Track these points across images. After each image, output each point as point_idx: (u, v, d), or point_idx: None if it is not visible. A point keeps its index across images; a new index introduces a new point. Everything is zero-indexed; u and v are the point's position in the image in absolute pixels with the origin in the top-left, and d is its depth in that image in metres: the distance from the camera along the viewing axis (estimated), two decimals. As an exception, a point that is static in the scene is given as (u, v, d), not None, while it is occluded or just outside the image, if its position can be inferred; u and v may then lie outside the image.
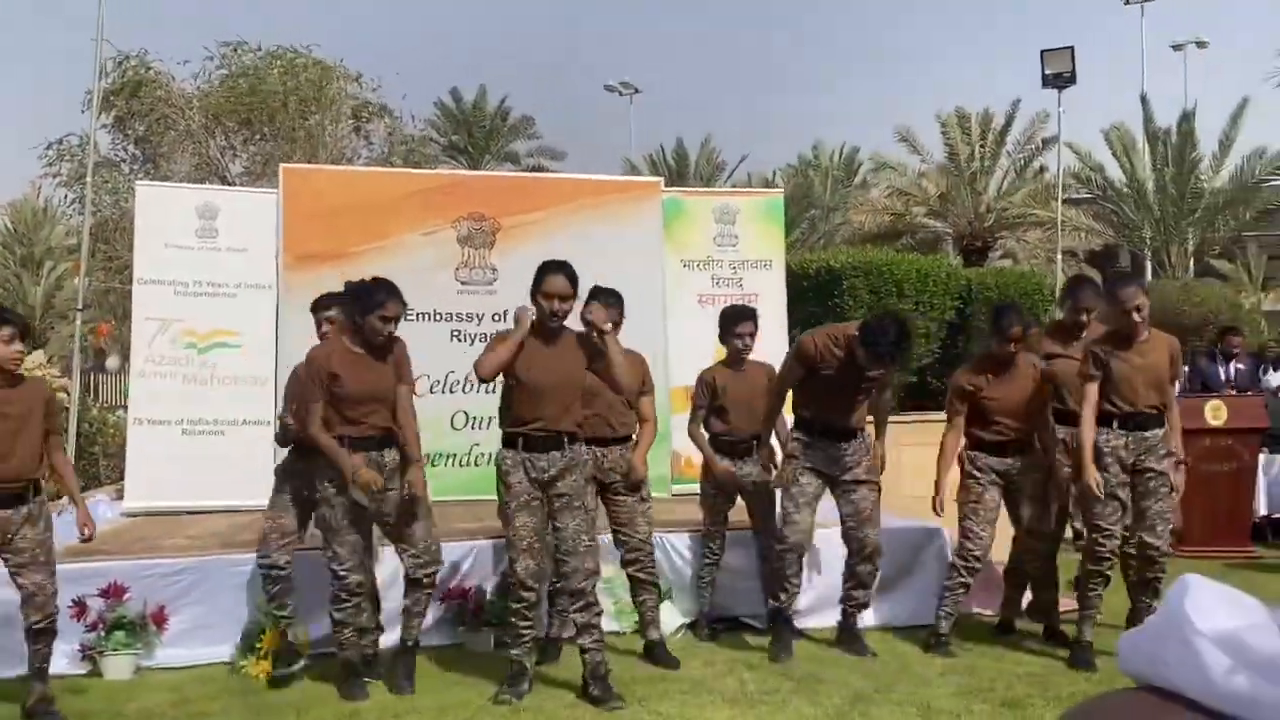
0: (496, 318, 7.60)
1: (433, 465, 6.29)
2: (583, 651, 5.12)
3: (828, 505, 5.96)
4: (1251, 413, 8.91)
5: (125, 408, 8.34)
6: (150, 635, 5.71)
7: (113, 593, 5.67)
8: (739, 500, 6.27)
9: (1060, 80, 13.92)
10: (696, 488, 6.88)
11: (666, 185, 9.22)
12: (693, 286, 8.36)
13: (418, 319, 7.07)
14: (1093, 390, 5.67)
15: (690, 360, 7.90)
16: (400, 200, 8.01)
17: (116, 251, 13.93)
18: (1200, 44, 28.53)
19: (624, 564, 5.90)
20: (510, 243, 7.85)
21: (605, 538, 5.89)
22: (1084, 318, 6.15)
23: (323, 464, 5.15)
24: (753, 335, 6.16)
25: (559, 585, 5.54)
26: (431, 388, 7.48)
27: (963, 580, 6.05)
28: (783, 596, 5.87)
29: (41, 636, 4.93)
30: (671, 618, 6.25)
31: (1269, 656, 1.10)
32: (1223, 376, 10.00)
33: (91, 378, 14.84)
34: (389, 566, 5.79)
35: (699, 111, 76.82)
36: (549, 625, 5.85)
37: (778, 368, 6.13)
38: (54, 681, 5.13)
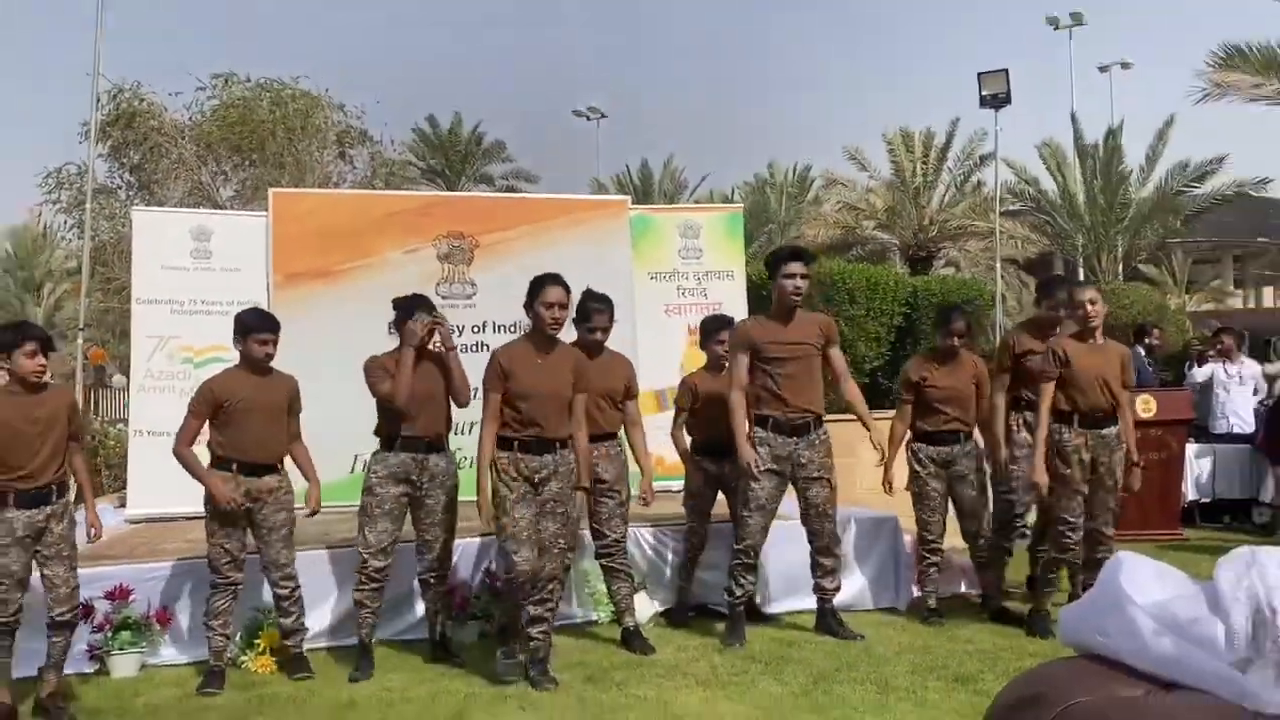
0: (475, 329, 7.63)
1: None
2: (529, 639, 5.09)
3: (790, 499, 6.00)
4: (1178, 405, 9.05)
5: (126, 421, 8.26)
6: (154, 634, 5.67)
7: (118, 595, 5.61)
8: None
9: (996, 101, 13.99)
10: (669, 484, 6.91)
11: (633, 203, 9.22)
12: (660, 297, 8.38)
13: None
14: (1049, 389, 5.78)
15: (659, 366, 7.98)
16: (383, 221, 7.98)
17: (114, 273, 13.77)
18: (1125, 65, 28.75)
19: (598, 556, 5.92)
20: (487, 259, 7.85)
21: (585, 533, 5.92)
22: (1059, 313, 6.27)
23: (376, 458, 5.43)
24: None
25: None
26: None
27: (932, 561, 6.35)
28: (738, 592, 5.89)
29: (62, 628, 4.92)
30: (646, 606, 6.27)
31: (1191, 620, 1.14)
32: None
33: (93, 393, 14.70)
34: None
35: (663, 133, 77.33)
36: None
37: None
38: (65, 678, 5.11)
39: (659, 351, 8.07)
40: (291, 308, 7.15)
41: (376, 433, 5.51)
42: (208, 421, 5.29)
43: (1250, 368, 10.06)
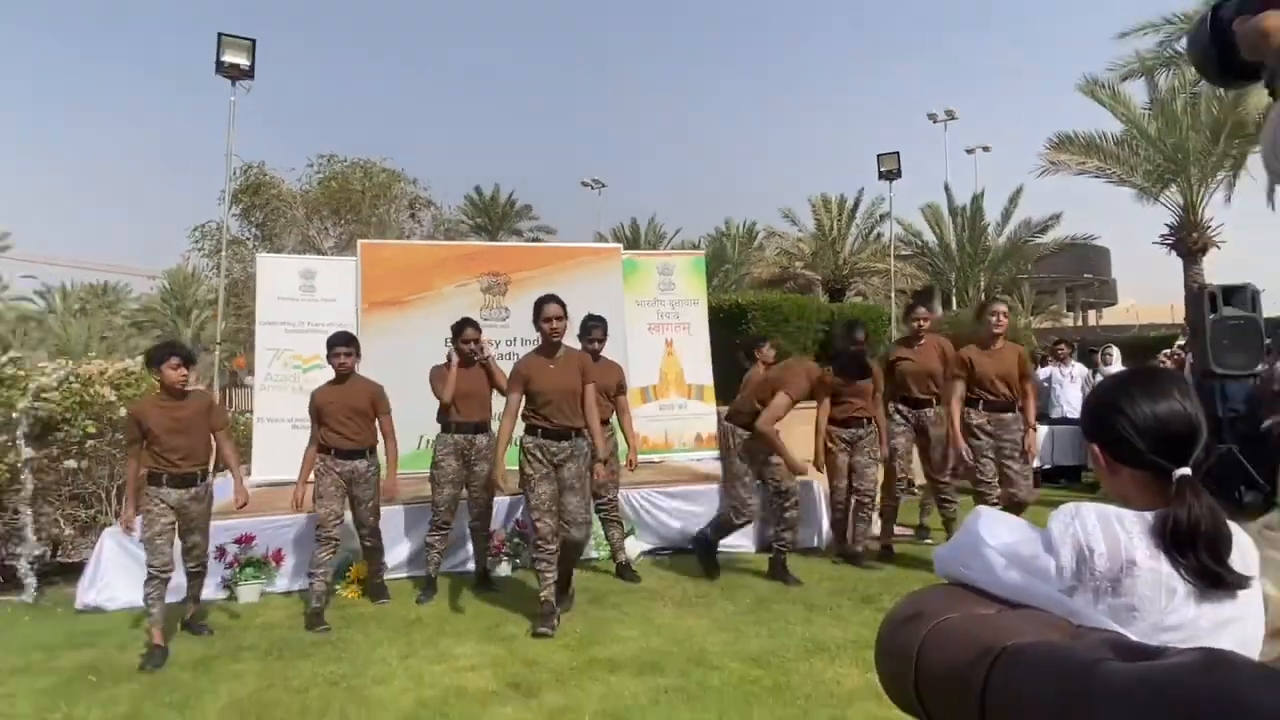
0: (509, 343, 7.58)
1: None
2: (543, 587, 4.70)
3: None
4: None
5: (252, 411, 8.18)
6: (271, 570, 5.64)
7: (244, 540, 5.59)
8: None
9: (890, 174, 14.00)
10: (650, 456, 6.85)
11: (625, 249, 9.20)
12: (644, 319, 8.34)
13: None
14: (959, 385, 5.70)
15: (643, 371, 7.97)
16: (441, 264, 7.94)
17: (243, 302, 13.65)
18: (985, 149, 28.72)
19: (598, 510, 5.87)
20: (518, 291, 7.80)
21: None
22: (917, 325, 6.15)
23: (438, 439, 5.44)
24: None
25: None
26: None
27: (838, 516, 6.16)
28: (716, 540, 5.80)
29: (196, 577, 4.88)
30: (633, 547, 6.23)
31: (1032, 557, 1.13)
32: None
33: (228, 392, 14.56)
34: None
35: (647, 197, 77.77)
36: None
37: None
38: (203, 604, 5.09)
39: (643, 359, 8.12)
40: (374, 328, 7.17)
41: (438, 419, 5.48)
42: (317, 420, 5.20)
43: (1078, 369, 10.07)
